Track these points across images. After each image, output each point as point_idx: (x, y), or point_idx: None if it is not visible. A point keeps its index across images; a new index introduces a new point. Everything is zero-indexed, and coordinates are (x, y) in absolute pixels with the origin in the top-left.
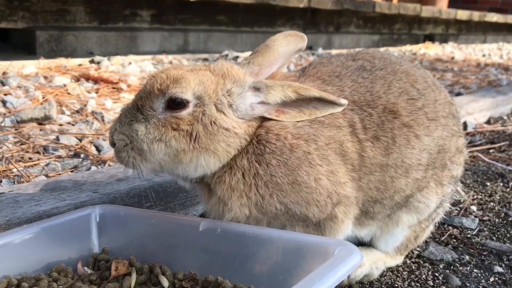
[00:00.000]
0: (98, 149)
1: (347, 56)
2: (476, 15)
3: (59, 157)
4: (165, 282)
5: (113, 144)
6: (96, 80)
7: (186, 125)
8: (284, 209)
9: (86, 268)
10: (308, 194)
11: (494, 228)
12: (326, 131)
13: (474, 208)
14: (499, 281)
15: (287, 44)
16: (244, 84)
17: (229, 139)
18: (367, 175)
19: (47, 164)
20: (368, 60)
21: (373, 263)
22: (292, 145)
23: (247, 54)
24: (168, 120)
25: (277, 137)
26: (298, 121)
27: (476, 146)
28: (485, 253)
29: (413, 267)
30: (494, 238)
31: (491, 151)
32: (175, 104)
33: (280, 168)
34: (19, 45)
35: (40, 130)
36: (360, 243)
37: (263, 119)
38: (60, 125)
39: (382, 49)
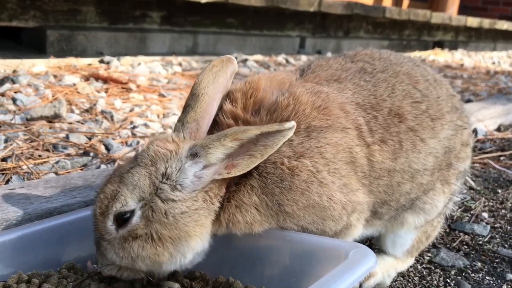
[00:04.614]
0: (108, 148)
1: (345, 57)
2: (486, 23)
3: (69, 155)
4: (175, 284)
5: (108, 275)
6: (105, 80)
7: (142, 229)
8: (300, 229)
9: (96, 266)
10: (322, 213)
11: (506, 235)
12: (329, 137)
13: (485, 215)
14: None
15: (214, 80)
16: (180, 156)
17: (193, 217)
18: (376, 179)
19: (57, 162)
20: (368, 61)
21: (385, 271)
22: (292, 169)
23: (256, 57)
24: (126, 234)
25: (274, 165)
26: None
27: (487, 153)
28: (497, 260)
29: (424, 272)
30: (506, 245)
31: (501, 158)
32: (124, 219)
33: (285, 196)
34: (29, 44)
35: (50, 128)
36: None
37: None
38: (70, 123)
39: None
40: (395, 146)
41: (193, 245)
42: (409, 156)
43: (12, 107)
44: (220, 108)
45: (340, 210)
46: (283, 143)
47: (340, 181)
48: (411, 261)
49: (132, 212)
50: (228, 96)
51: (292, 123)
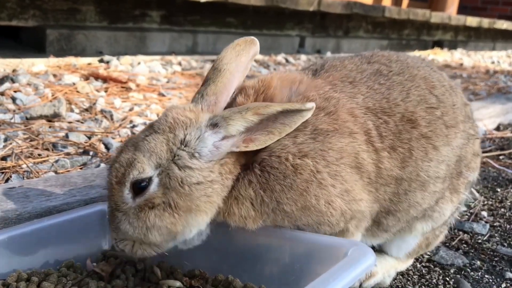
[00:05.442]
0: (107, 147)
1: (361, 58)
2: (485, 22)
3: (68, 154)
4: (176, 283)
5: (123, 251)
6: (105, 79)
7: (160, 198)
8: (297, 229)
9: (95, 264)
10: (319, 217)
11: (505, 234)
12: (335, 142)
13: (484, 213)
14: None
15: (237, 57)
16: (199, 125)
17: (207, 191)
18: (383, 186)
19: (57, 161)
20: (384, 63)
21: (386, 271)
22: (296, 167)
23: (256, 56)
24: (143, 203)
25: (279, 160)
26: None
27: (486, 152)
28: (496, 258)
29: (423, 271)
30: (506, 244)
31: (501, 157)
32: (141, 187)
33: (286, 194)
34: (29, 43)
35: (49, 127)
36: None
37: (239, 153)
38: (69, 122)
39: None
40: (405, 154)
41: (199, 221)
42: (418, 165)
43: (11, 106)
44: (234, 100)
45: (338, 217)
46: (287, 138)
47: (342, 186)
48: (410, 262)
49: (150, 179)
50: (242, 91)
51: (312, 104)
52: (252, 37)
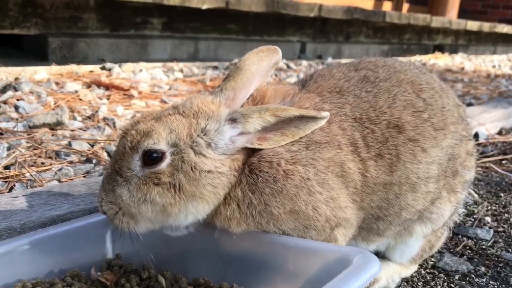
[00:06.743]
0: (110, 155)
1: (349, 66)
2: (486, 26)
3: (71, 162)
4: None
5: (104, 213)
6: (107, 87)
7: (167, 177)
8: (282, 233)
9: (99, 273)
10: (305, 221)
11: (510, 239)
12: (325, 152)
13: (488, 219)
14: None
15: (259, 61)
16: (219, 118)
17: (214, 181)
18: (370, 195)
19: (60, 169)
20: (371, 69)
21: (389, 276)
22: (287, 172)
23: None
24: (148, 176)
25: (269, 165)
26: (282, 145)
27: (489, 157)
28: (501, 264)
29: (428, 277)
30: (510, 249)
31: (503, 162)
32: (152, 158)
33: (275, 197)
34: (31, 51)
35: (52, 135)
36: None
37: (250, 149)
38: (72, 130)
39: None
40: (392, 159)
41: (199, 209)
42: (407, 168)
43: (14, 114)
44: None
45: (324, 223)
46: (283, 147)
47: (328, 193)
48: (414, 267)
49: (163, 155)
50: None
51: (327, 113)
52: (276, 46)
